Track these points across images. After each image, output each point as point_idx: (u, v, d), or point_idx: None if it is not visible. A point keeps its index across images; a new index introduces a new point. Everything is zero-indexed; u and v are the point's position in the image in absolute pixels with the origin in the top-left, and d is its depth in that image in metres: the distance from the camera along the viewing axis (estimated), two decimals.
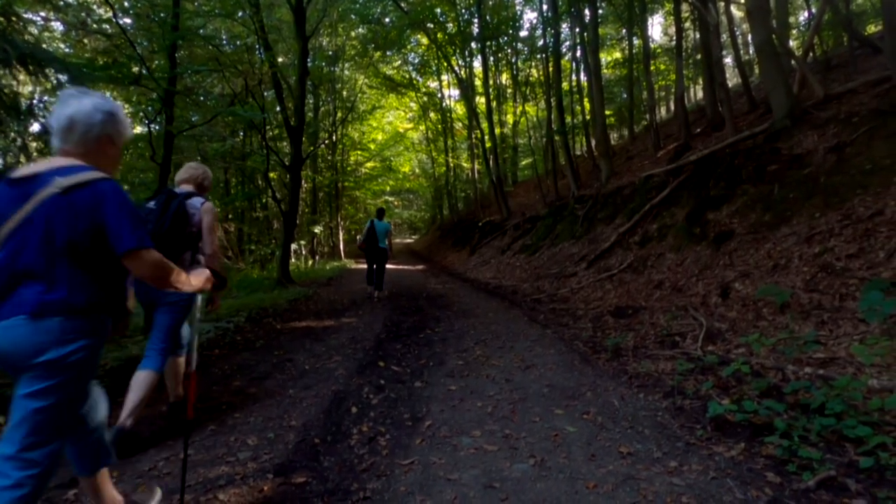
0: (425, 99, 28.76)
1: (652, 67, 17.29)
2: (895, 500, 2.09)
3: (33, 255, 1.63)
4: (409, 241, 44.93)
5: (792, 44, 14.05)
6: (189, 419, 2.25)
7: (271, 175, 16.55)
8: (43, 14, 10.25)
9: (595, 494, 2.31)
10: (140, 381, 3.00)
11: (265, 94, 14.08)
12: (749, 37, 17.20)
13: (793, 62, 9.04)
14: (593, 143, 17.72)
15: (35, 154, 7.02)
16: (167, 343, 3.10)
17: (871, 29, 14.15)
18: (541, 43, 19.12)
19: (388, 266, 9.49)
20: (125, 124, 1.92)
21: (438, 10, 20.09)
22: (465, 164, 30.87)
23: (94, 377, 1.85)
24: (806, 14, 17.02)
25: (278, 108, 12.86)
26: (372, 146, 28.28)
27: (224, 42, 14.12)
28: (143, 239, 1.71)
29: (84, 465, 1.92)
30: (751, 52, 18.51)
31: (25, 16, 8.37)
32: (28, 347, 1.59)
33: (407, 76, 27.33)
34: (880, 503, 2.10)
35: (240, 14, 11.01)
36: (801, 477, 2.33)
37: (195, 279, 2.05)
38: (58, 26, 11.21)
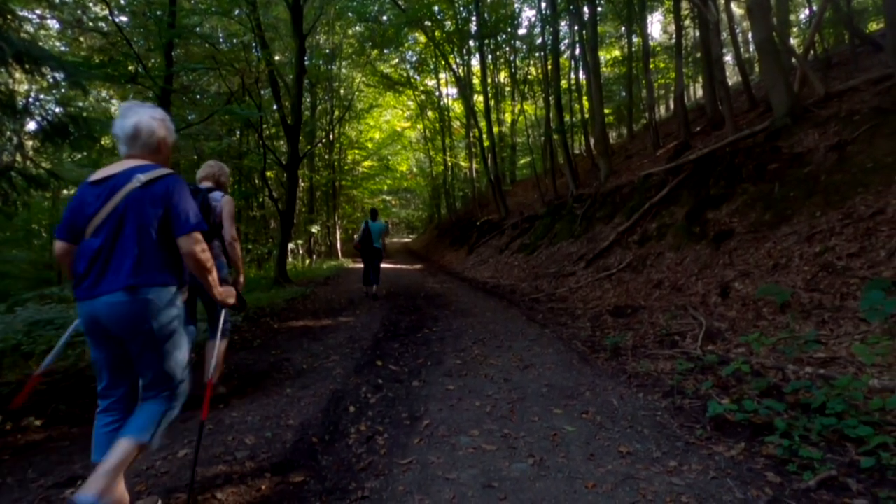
0: (423, 97, 28.71)
1: (651, 66, 17.26)
2: None
3: (125, 240, 1.95)
4: (406, 240, 44.90)
5: (793, 42, 14.04)
6: (202, 420, 2.32)
7: (268, 174, 16.52)
8: (39, 12, 10.20)
9: (594, 494, 2.29)
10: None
11: (262, 92, 14.02)
12: (749, 35, 17.20)
13: (793, 60, 9.02)
14: (592, 141, 17.70)
15: (31, 152, 6.98)
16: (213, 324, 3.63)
17: (873, 27, 14.15)
18: (539, 41, 19.13)
19: (384, 265, 9.86)
20: (172, 127, 2.28)
21: (436, 8, 20.04)
22: (462, 163, 30.82)
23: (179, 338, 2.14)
24: (807, 12, 17.02)
25: (275, 107, 12.82)
26: (369, 145, 28.21)
27: (221, 40, 14.09)
28: (200, 224, 2.06)
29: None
30: (751, 50, 18.53)
31: (21, 13, 8.33)
32: (133, 318, 1.93)
33: (404, 74, 27.27)
34: (881, 503, 2.08)
35: (236, 12, 10.96)
36: (802, 477, 2.32)
37: (225, 291, 2.29)
38: (54, 24, 11.17)
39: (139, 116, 2.10)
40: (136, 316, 1.93)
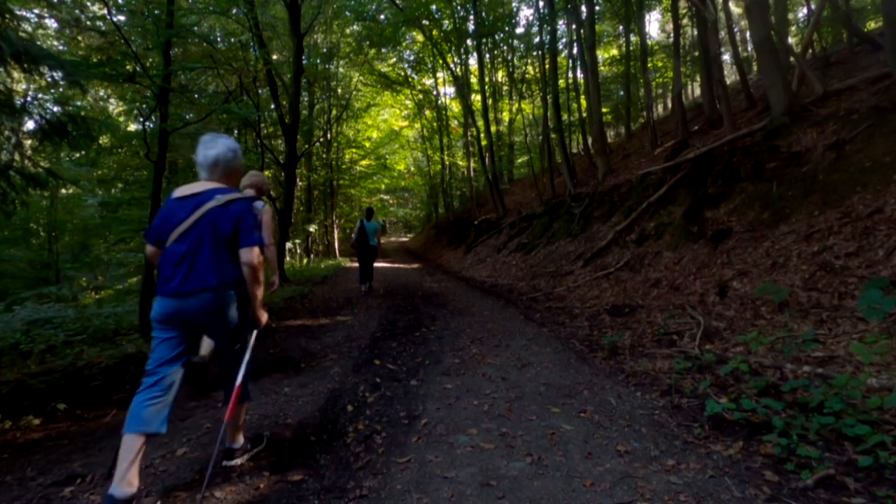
0: (421, 96, 28.68)
1: (649, 64, 17.29)
2: (894, 498, 2.08)
3: (205, 246, 2.37)
4: (404, 239, 44.89)
5: (791, 40, 14.06)
6: (226, 421, 2.47)
7: (266, 173, 16.47)
8: (37, 11, 10.17)
9: (592, 492, 2.30)
10: None
11: (260, 91, 13.99)
12: (747, 33, 17.21)
13: (791, 59, 9.03)
14: (590, 140, 17.71)
15: (29, 151, 6.96)
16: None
17: (871, 25, 14.16)
18: (537, 40, 19.11)
19: (382, 264, 10.53)
20: (241, 154, 2.67)
21: (434, 7, 20.01)
22: (460, 162, 30.79)
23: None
24: (805, 10, 17.02)
25: (273, 106, 12.81)
26: (367, 144, 28.17)
27: (219, 39, 14.05)
28: (261, 241, 2.51)
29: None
30: (749, 48, 18.55)
31: (19, 13, 8.30)
32: (219, 307, 2.39)
33: (402, 73, 27.23)
34: (879, 502, 2.09)
35: (234, 11, 10.93)
36: (800, 475, 2.32)
37: (259, 311, 2.62)
38: (52, 23, 11.13)
39: (218, 149, 2.53)
40: (217, 309, 2.39)
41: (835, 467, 2.35)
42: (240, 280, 2.48)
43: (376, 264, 11.15)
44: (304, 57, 13.57)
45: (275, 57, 15.24)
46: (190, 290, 2.34)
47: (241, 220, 2.44)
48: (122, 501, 2.10)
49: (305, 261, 20.47)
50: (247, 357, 2.56)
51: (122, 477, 2.14)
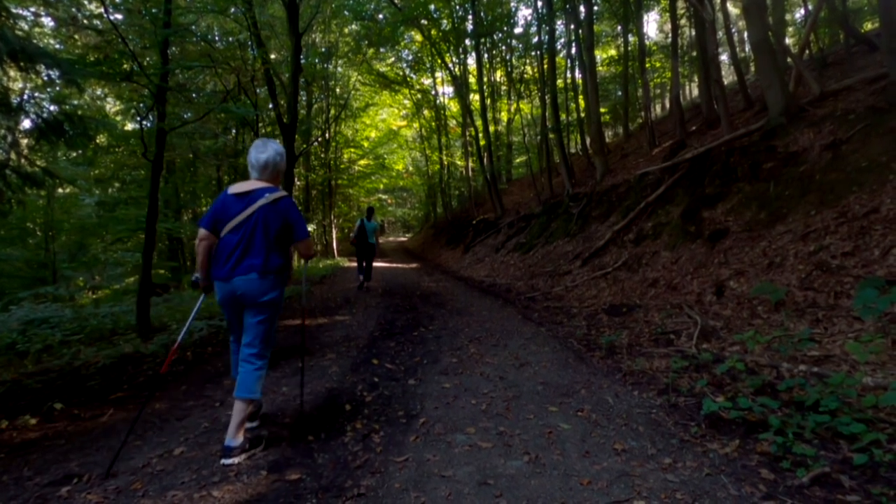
0: (419, 96, 28.66)
1: (647, 65, 17.29)
2: (889, 496, 2.09)
3: (256, 238, 2.80)
4: (402, 239, 44.86)
5: (788, 41, 14.08)
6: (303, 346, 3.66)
7: None
8: (33, 9, 10.14)
9: (589, 491, 2.30)
10: None
11: (258, 90, 13.99)
12: (745, 34, 17.24)
13: (789, 59, 9.06)
14: (588, 140, 17.73)
15: (25, 150, 6.94)
16: None
17: (868, 26, 14.20)
18: (535, 40, 19.11)
19: (380, 264, 11.01)
20: (285, 157, 3.06)
21: (432, 7, 20.00)
22: (459, 162, 30.80)
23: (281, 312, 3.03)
24: (802, 11, 17.05)
25: (271, 105, 12.79)
26: (365, 144, 28.17)
27: (216, 38, 14.03)
28: (307, 232, 3.02)
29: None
30: (747, 49, 18.57)
31: (16, 11, 8.27)
32: (258, 292, 2.80)
33: (400, 73, 27.21)
34: (874, 499, 2.10)
35: (232, 10, 10.90)
36: (796, 473, 2.33)
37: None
38: (48, 22, 11.09)
39: (268, 153, 2.93)
40: (260, 290, 2.80)
41: (830, 465, 2.36)
42: (281, 268, 2.89)
43: (375, 263, 11.78)
44: (302, 56, 13.55)
45: (273, 56, 15.23)
46: (240, 274, 2.77)
47: (287, 214, 2.88)
48: (236, 449, 2.69)
49: (303, 260, 20.42)
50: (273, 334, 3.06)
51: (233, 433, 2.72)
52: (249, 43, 12.83)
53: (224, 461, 2.66)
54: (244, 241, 2.78)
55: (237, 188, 2.86)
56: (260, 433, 2.97)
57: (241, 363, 2.86)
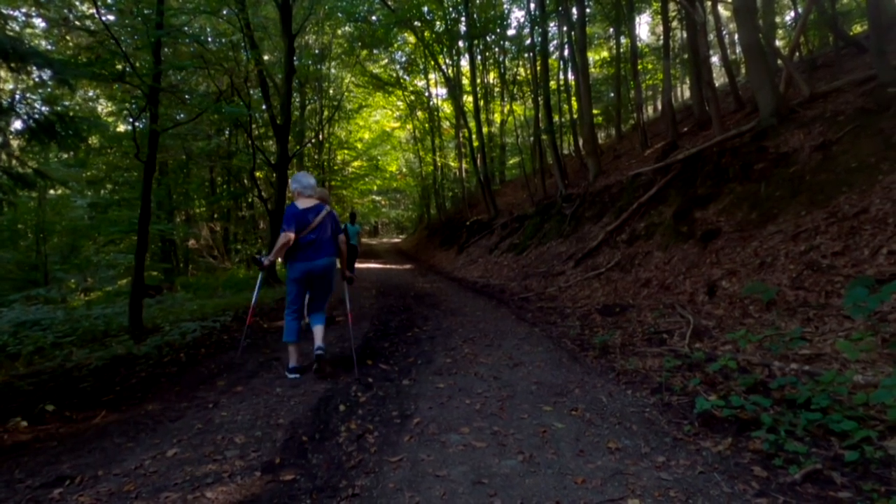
0: (412, 98, 28.62)
1: (639, 66, 17.37)
2: (880, 492, 2.12)
3: (326, 235, 4.28)
4: (396, 240, 44.78)
5: (778, 43, 14.21)
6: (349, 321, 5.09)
7: (257, 174, 16.39)
8: (24, 10, 10.06)
9: (583, 489, 2.31)
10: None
11: (251, 92, 13.92)
12: (736, 36, 17.36)
13: (779, 61, 9.14)
14: (581, 141, 17.77)
15: (17, 151, 6.89)
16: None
17: (857, 29, 14.34)
18: (528, 42, 19.12)
19: (374, 265, 11.64)
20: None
21: (426, 9, 19.99)
22: (452, 164, 30.79)
23: None
24: (792, 14, 17.19)
25: (264, 107, 12.73)
26: (359, 145, 28.13)
27: (209, 39, 13.96)
28: (342, 232, 4.52)
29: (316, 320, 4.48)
30: (738, 51, 18.71)
31: (6, 11, 8.21)
32: (330, 268, 4.35)
33: (394, 75, 27.18)
34: (865, 496, 2.13)
35: (225, 11, 10.86)
36: (788, 470, 2.36)
37: (346, 270, 4.98)
38: (40, 22, 11.01)
39: (311, 179, 4.37)
40: (330, 269, 4.36)
41: (822, 462, 2.38)
42: (336, 254, 4.40)
43: (368, 265, 12.83)
44: (295, 58, 13.52)
45: (266, 57, 15.17)
46: (318, 258, 4.24)
47: (336, 221, 4.45)
48: (298, 369, 4.30)
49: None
50: (347, 295, 5.01)
51: (294, 359, 4.33)
52: (243, 44, 12.78)
53: (318, 352, 4.18)
54: (319, 238, 4.23)
55: (303, 204, 4.23)
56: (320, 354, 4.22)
57: (315, 314, 4.48)
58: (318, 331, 4.30)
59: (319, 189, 5.47)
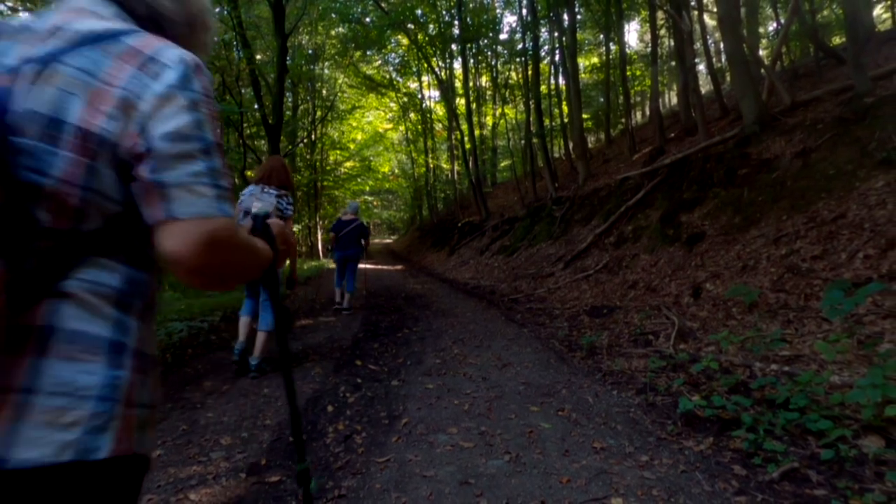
0: (405, 99, 28.68)
1: (628, 73, 17.58)
2: (853, 490, 2.18)
3: (352, 238, 7.63)
4: (388, 241, 44.76)
5: (761, 53, 14.43)
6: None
7: (248, 173, 16.30)
8: (10, 3, 9.96)
9: (568, 489, 2.35)
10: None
11: (242, 91, 13.90)
12: (721, 45, 17.60)
13: (762, 70, 9.30)
14: (571, 145, 17.91)
15: None
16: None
17: (837, 41, 14.63)
18: (520, 46, 19.22)
19: (365, 265, 11.91)
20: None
21: (419, 12, 20.04)
22: (444, 165, 30.88)
23: None
24: (774, 25, 17.52)
25: (256, 106, 12.72)
26: (351, 146, 28.09)
27: None
28: (369, 234, 8.20)
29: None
30: (723, 60, 18.96)
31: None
32: (357, 255, 7.73)
33: (387, 76, 27.22)
34: (839, 493, 2.19)
35: (217, 10, 10.84)
36: (766, 469, 2.41)
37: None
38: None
39: (357, 204, 8.00)
40: (357, 257, 7.68)
41: (799, 461, 2.44)
42: (360, 250, 7.58)
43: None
44: (288, 57, 13.50)
45: (259, 57, 15.14)
46: (347, 249, 7.48)
47: (363, 230, 7.60)
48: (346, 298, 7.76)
49: (288, 262, 20.27)
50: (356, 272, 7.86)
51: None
52: (235, 43, 12.75)
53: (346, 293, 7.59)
54: (348, 238, 7.40)
55: (344, 217, 7.69)
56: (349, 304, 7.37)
57: (347, 283, 7.55)
58: (347, 298, 7.55)
59: (354, 203, 8.34)
